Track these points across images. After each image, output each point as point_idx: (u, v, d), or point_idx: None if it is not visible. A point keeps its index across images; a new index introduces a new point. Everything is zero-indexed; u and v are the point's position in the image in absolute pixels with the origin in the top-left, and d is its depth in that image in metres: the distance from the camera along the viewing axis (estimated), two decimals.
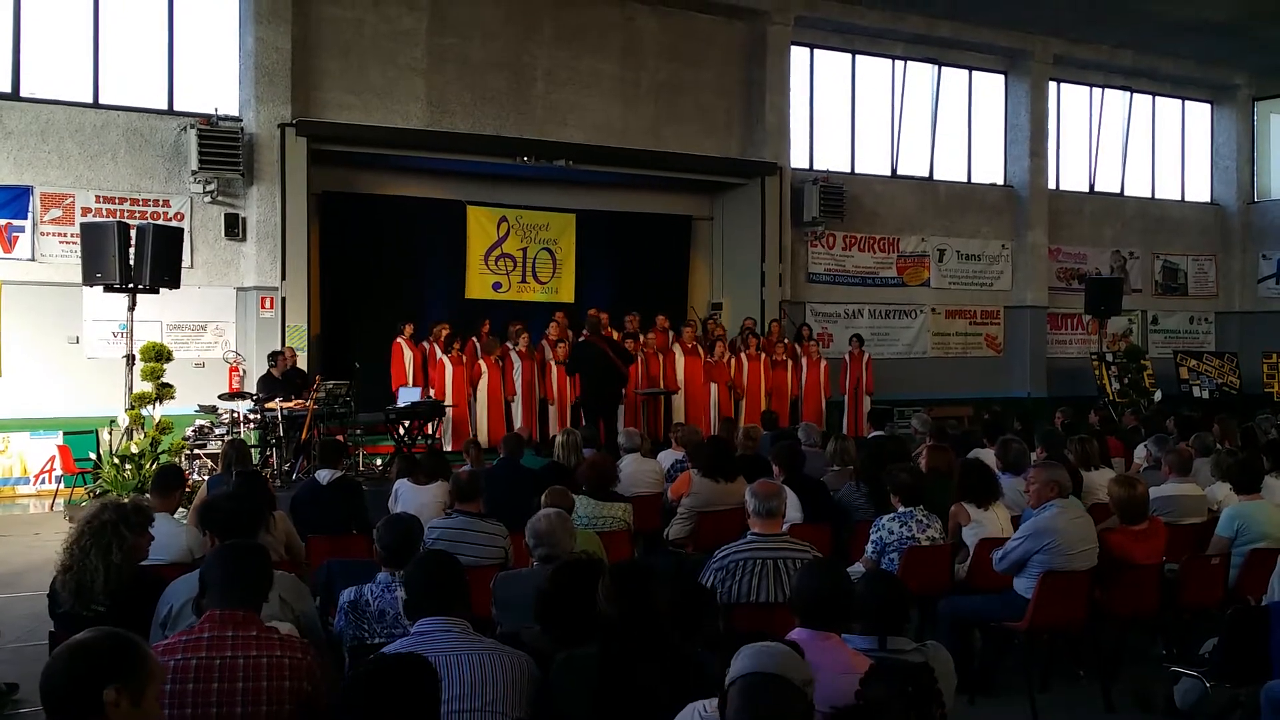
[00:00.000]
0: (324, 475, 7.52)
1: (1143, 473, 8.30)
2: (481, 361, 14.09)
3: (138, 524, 4.52)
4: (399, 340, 13.90)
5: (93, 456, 12.34)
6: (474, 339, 14.34)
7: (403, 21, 15.07)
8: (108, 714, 2.53)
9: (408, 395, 13.10)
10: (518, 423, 13.96)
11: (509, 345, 14.37)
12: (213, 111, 13.80)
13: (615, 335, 14.64)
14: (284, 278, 14.04)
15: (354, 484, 7.77)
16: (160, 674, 2.74)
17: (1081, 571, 5.88)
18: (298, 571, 5.45)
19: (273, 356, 12.82)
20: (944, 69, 19.63)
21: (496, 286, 16.58)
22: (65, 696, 2.52)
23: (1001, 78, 20.20)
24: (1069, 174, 21.26)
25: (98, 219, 12.78)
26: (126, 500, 4.97)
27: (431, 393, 13.60)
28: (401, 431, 12.80)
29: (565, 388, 14.47)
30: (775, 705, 2.53)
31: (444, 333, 14.08)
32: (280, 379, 12.46)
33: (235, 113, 14.17)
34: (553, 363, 14.47)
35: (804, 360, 15.99)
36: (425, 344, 14.08)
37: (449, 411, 13.68)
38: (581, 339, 14.13)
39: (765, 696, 2.55)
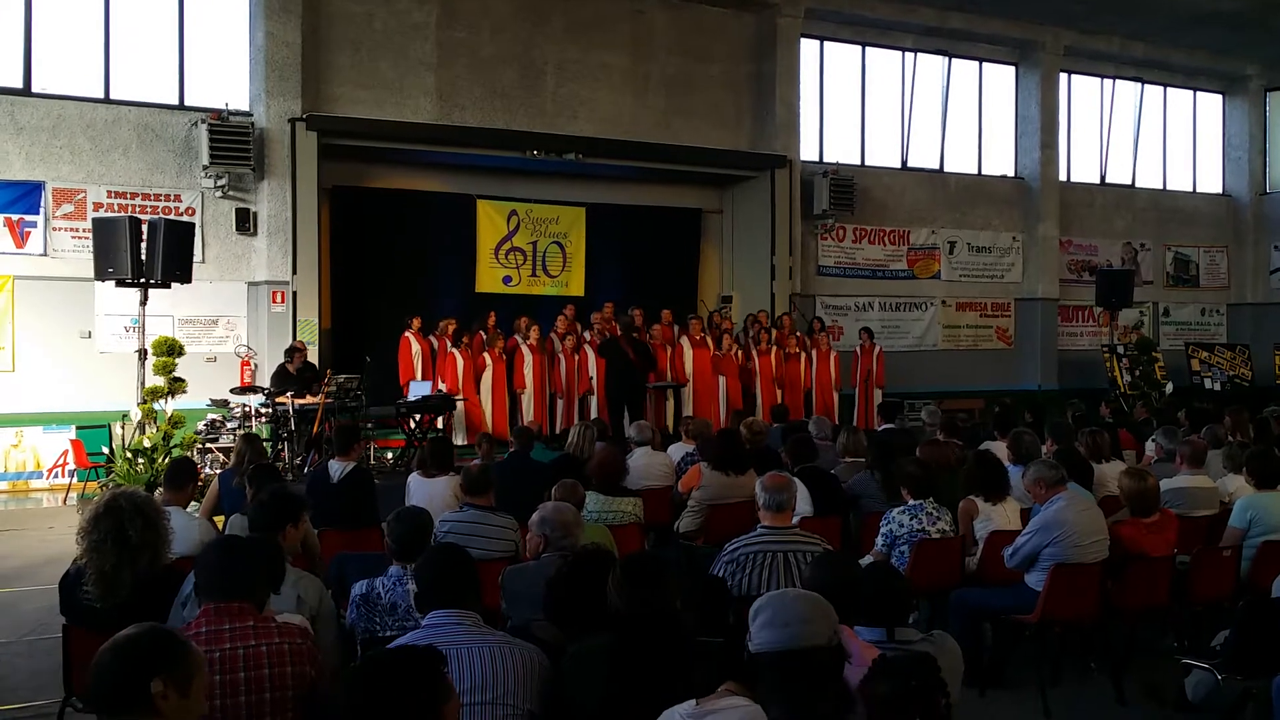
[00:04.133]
0: (336, 469, 7.41)
1: (1154, 465, 8.26)
2: (486, 355, 14.12)
3: (154, 511, 4.56)
4: (407, 334, 13.94)
5: (105, 450, 12.39)
6: (481, 332, 14.38)
7: (412, 16, 15.08)
8: (156, 705, 2.57)
9: (418, 389, 13.13)
10: (528, 416, 13.98)
11: (518, 338, 14.40)
12: (223, 106, 13.84)
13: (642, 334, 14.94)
14: (295, 272, 14.06)
15: (366, 477, 7.64)
16: (203, 665, 2.76)
17: (1092, 564, 5.88)
18: (311, 567, 5.45)
19: (289, 352, 12.84)
20: (954, 61, 19.57)
21: (507, 280, 16.59)
22: (114, 690, 2.56)
23: (1012, 69, 20.13)
24: (1080, 166, 21.18)
25: (109, 214, 12.81)
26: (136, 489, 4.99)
27: (443, 386, 13.63)
28: (413, 425, 12.83)
29: (574, 381, 14.51)
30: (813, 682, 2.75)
31: (451, 327, 14.12)
32: (294, 374, 12.50)
33: (246, 107, 14.21)
34: (561, 356, 14.50)
35: (814, 353, 15.99)
36: (433, 338, 14.11)
37: (459, 405, 13.71)
38: (609, 336, 14.30)
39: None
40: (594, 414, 13.95)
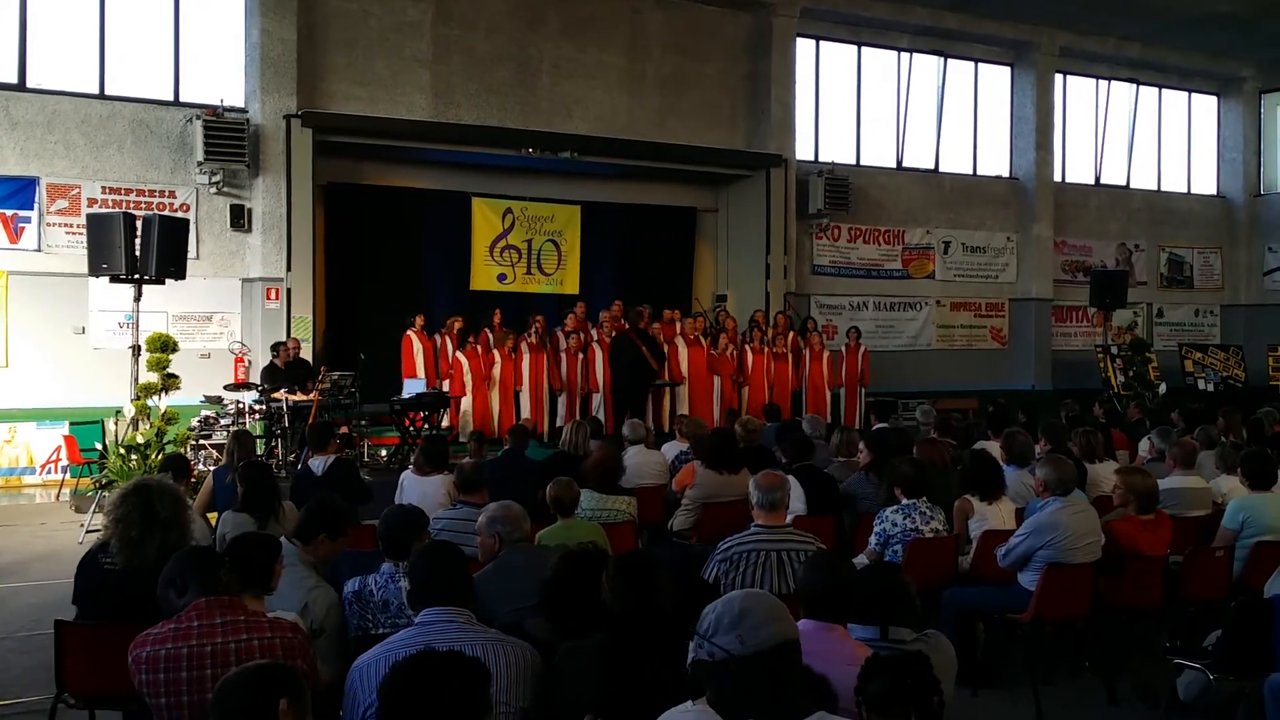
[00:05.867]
0: (317, 464, 7.65)
1: (1147, 465, 8.28)
2: (495, 352, 14.10)
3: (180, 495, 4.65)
4: (410, 332, 13.91)
5: (99, 447, 12.34)
6: (486, 330, 14.35)
7: (408, 13, 15.07)
8: None
9: (412, 386, 13.12)
10: (525, 414, 13.96)
11: (525, 336, 14.37)
12: (218, 103, 13.80)
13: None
14: (289, 269, 14.05)
15: (347, 464, 7.91)
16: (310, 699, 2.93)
17: (1085, 564, 5.89)
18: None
19: (275, 347, 12.85)
20: (950, 61, 19.60)
21: (501, 278, 16.57)
22: (243, 706, 2.77)
23: (1008, 70, 20.16)
24: (1075, 166, 21.22)
25: (104, 210, 12.79)
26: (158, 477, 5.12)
27: (447, 384, 13.62)
28: (409, 422, 12.82)
29: (576, 379, 14.48)
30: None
31: (457, 325, 14.10)
32: (283, 369, 12.49)
33: (241, 104, 14.19)
34: (564, 354, 14.47)
35: (807, 352, 15.98)
36: (437, 336, 14.10)
37: (463, 403, 13.69)
38: (618, 332, 14.27)
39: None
40: (597, 412, 13.94)
